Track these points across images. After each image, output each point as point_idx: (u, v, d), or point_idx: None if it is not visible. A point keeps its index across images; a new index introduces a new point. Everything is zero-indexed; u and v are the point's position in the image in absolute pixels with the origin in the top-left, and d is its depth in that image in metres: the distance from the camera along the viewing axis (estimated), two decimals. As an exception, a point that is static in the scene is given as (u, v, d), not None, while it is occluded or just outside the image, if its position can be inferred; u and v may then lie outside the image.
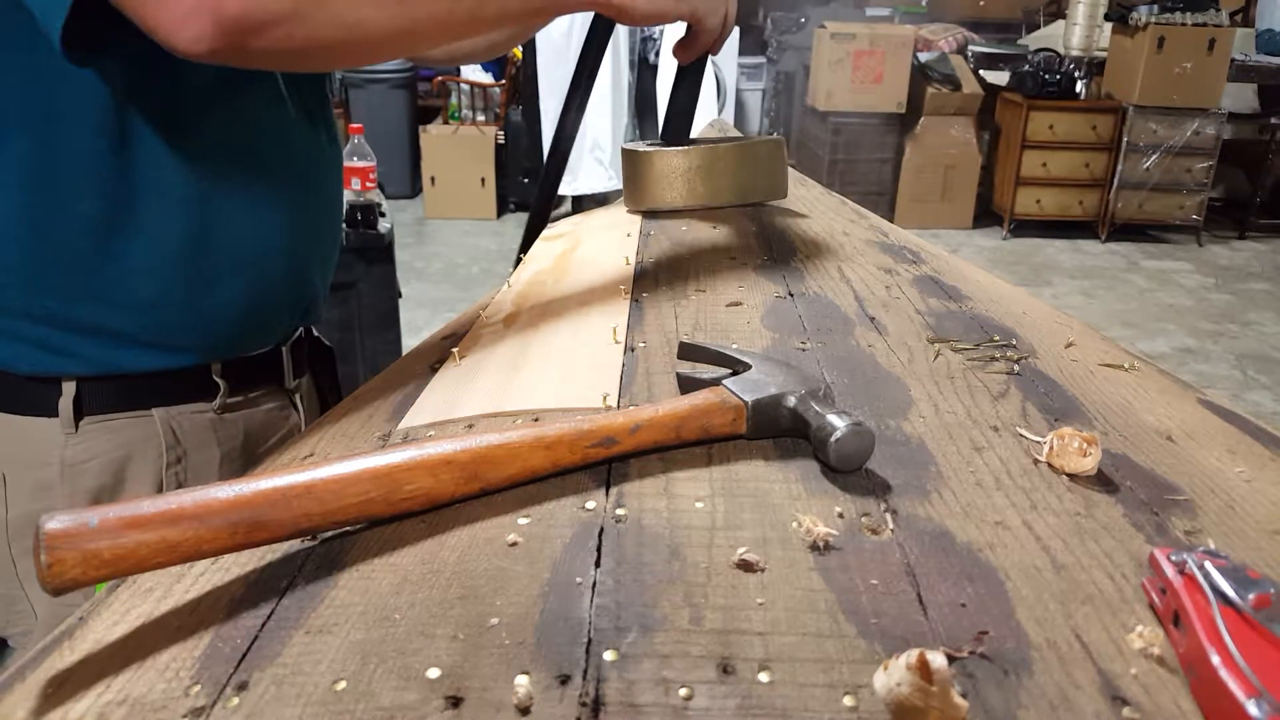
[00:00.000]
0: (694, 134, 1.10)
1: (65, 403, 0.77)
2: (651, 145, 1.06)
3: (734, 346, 0.62)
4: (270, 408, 0.91)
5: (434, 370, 0.71)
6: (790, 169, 1.37)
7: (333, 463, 0.45)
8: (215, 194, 0.77)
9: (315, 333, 1.01)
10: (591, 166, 4.82)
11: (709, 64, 1.09)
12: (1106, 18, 5.34)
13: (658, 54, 3.72)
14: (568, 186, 5.19)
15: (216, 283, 0.80)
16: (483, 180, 5.48)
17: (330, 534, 0.46)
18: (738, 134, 1.10)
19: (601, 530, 0.46)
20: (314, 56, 0.68)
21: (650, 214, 1.07)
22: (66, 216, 0.72)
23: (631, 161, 1.06)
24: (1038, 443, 0.55)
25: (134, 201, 0.73)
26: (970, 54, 5.74)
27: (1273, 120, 5.51)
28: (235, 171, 0.78)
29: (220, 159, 0.76)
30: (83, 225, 0.72)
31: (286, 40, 0.62)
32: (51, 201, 0.71)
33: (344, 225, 2.32)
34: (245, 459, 0.88)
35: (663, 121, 1.05)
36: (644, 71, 4.06)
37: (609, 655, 0.37)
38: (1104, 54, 5.37)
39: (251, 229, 0.81)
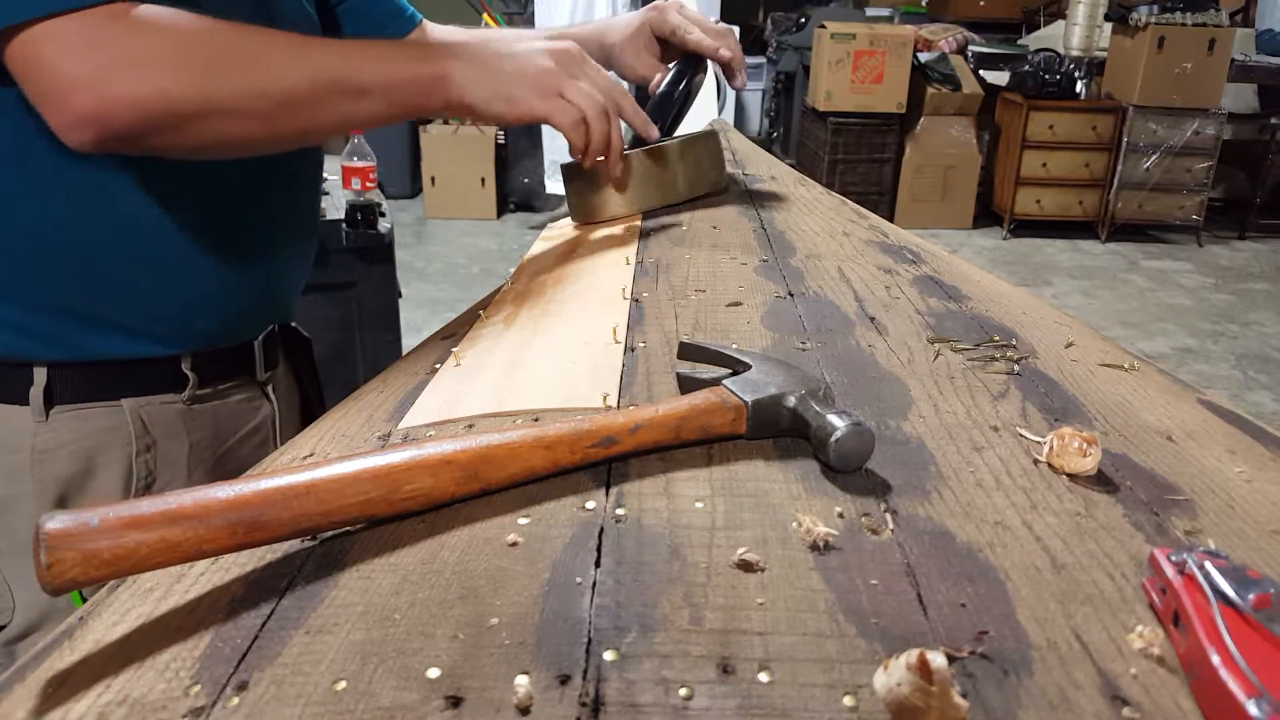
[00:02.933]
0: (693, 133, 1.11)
1: (35, 391, 0.78)
2: None
3: (734, 346, 0.62)
4: (241, 399, 0.92)
5: (434, 370, 0.71)
6: (790, 169, 1.37)
7: (333, 463, 0.45)
8: (179, 182, 0.78)
9: (292, 323, 1.01)
10: (591, 166, 4.81)
11: (710, 65, 1.09)
12: (1106, 18, 5.34)
13: None
14: (568, 186, 5.18)
15: (187, 271, 0.81)
16: (483, 180, 5.48)
17: (330, 534, 0.46)
18: (685, 132, 1.11)
19: (601, 530, 0.46)
20: (192, 156, 0.75)
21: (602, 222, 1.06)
22: (36, 200, 0.74)
23: (571, 175, 1.06)
24: (1038, 443, 0.55)
25: (101, 187, 0.74)
26: (970, 54, 5.74)
27: (1273, 120, 5.51)
28: (201, 163, 0.79)
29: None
30: (51, 208, 0.74)
31: (165, 146, 0.69)
32: (21, 185, 0.73)
33: (344, 225, 2.32)
34: (215, 449, 0.89)
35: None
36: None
37: (609, 655, 0.37)
38: (1104, 54, 5.37)
39: (221, 219, 0.82)
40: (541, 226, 3.16)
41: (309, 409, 1.07)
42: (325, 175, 2.63)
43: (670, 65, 1.07)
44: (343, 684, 0.36)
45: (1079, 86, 5.42)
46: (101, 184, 0.74)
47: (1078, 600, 0.41)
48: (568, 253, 1.00)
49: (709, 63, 1.08)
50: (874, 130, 5.38)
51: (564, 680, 0.36)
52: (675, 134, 1.09)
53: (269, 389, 0.96)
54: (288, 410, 1.00)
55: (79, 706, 0.36)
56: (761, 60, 6.62)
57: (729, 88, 1.14)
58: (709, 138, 1.09)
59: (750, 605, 0.40)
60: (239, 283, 0.86)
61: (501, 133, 5.44)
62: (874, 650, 0.37)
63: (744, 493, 0.49)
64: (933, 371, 0.66)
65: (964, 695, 0.34)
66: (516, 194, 5.66)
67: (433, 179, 5.46)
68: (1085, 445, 0.52)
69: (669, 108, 1.05)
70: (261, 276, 0.89)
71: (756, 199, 1.14)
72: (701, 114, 1.19)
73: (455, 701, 0.35)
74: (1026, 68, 5.37)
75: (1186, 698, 0.35)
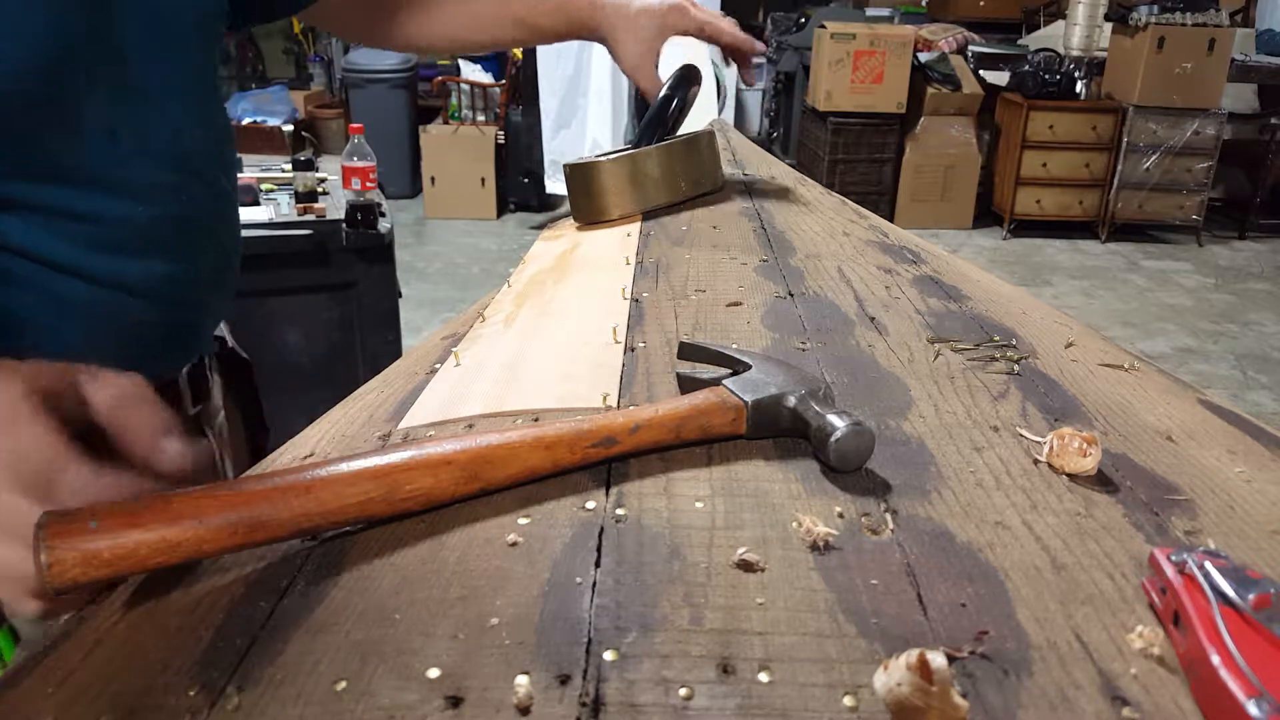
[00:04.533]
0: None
1: None
2: (592, 158, 1.07)
3: (734, 346, 0.62)
4: None
5: (434, 370, 0.71)
6: (790, 168, 1.37)
7: (333, 463, 0.45)
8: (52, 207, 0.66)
9: (230, 343, 0.95)
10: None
11: (710, 64, 1.10)
12: (1106, 18, 5.34)
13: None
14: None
15: (64, 308, 0.70)
16: (483, 180, 5.49)
17: (330, 534, 0.46)
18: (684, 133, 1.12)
19: (601, 530, 0.46)
20: None
21: (600, 223, 1.07)
22: None
23: (579, 175, 1.06)
24: (1038, 443, 0.55)
25: None
26: (970, 54, 5.75)
27: (1273, 120, 5.51)
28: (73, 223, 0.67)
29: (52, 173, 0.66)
30: None
31: None
32: None
33: (344, 225, 2.32)
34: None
35: (639, 130, 1.08)
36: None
37: (609, 655, 0.37)
38: (1104, 54, 5.37)
39: (101, 247, 0.70)
40: (541, 226, 3.16)
41: (254, 437, 1.01)
42: (326, 175, 2.64)
43: (667, 80, 1.08)
44: (343, 684, 0.36)
45: (1079, 86, 5.42)
46: None
47: (1078, 600, 0.41)
48: (568, 253, 1.00)
49: (710, 64, 1.09)
50: (874, 130, 5.38)
51: (564, 680, 0.36)
52: (676, 137, 1.10)
53: (206, 424, 0.88)
54: (231, 441, 0.93)
55: (79, 706, 0.36)
56: (761, 60, 6.62)
57: (741, 84, 1.15)
58: (708, 137, 1.10)
59: (750, 605, 0.40)
60: (135, 321, 0.75)
61: (501, 132, 5.44)
62: (874, 650, 0.37)
63: (744, 493, 0.49)
64: (933, 371, 0.66)
65: (964, 695, 0.34)
66: (516, 194, 5.66)
67: (433, 179, 5.46)
68: (1085, 445, 0.52)
69: (663, 123, 1.07)
70: (166, 312, 0.78)
71: (756, 199, 1.14)
72: (701, 114, 1.19)
73: (455, 701, 0.35)
74: (1026, 68, 5.37)
75: (1186, 698, 0.35)
